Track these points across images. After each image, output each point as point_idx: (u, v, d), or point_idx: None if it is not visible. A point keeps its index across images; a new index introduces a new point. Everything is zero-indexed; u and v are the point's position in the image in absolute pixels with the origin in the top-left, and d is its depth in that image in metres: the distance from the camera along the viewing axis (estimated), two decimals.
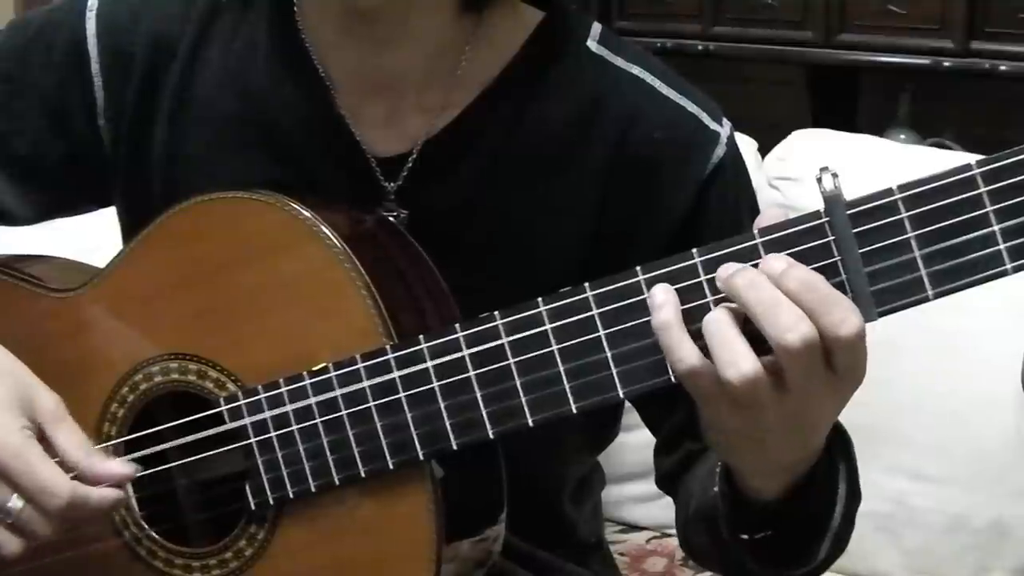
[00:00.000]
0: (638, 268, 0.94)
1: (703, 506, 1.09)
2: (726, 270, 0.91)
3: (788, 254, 0.91)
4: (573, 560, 1.29)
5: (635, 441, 1.94)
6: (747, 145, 2.27)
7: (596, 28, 1.19)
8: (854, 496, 1.06)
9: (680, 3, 3.48)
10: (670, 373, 0.94)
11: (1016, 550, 1.92)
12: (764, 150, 2.31)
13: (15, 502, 1.04)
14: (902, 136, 3.27)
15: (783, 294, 0.89)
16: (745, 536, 1.04)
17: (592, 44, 1.17)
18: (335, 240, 1.04)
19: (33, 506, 1.04)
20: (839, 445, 1.04)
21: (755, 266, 0.91)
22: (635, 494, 2.19)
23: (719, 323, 0.90)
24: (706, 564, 1.30)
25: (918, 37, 3.14)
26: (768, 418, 0.92)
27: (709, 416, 0.96)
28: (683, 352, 0.91)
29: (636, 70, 1.17)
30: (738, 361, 0.89)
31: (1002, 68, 3.06)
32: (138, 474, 1.08)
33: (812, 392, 0.91)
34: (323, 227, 1.05)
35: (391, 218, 1.14)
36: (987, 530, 1.93)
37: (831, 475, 1.04)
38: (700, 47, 3.45)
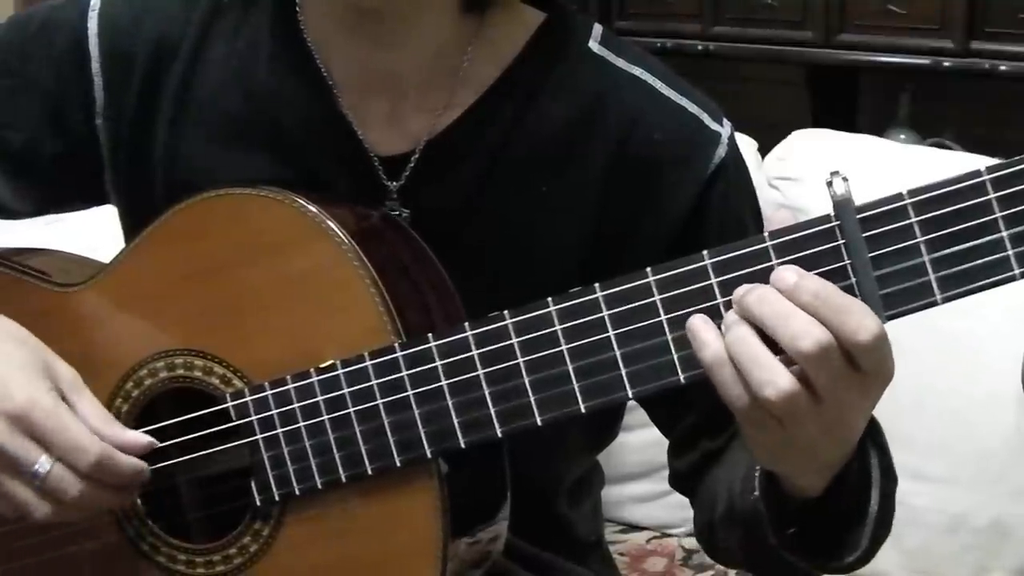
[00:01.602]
0: (648, 270, 0.95)
1: (738, 511, 1.08)
2: (739, 292, 0.91)
3: (798, 257, 0.91)
4: (572, 559, 1.29)
5: (635, 441, 1.95)
6: (747, 145, 2.28)
7: (597, 29, 1.19)
8: (889, 479, 1.06)
9: (680, 3, 3.48)
10: (679, 374, 0.94)
11: (1016, 550, 1.93)
12: (764, 150, 2.31)
13: (44, 465, 1.05)
14: (902, 136, 3.28)
15: (794, 305, 0.89)
16: (790, 531, 1.04)
17: (593, 45, 1.17)
18: (343, 237, 1.04)
19: (63, 464, 1.05)
20: (869, 434, 1.03)
21: (766, 271, 0.91)
22: (635, 494, 2.20)
23: (746, 344, 0.90)
24: (730, 563, 1.30)
25: (918, 37, 3.14)
26: (810, 429, 0.92)
27: (754, 436, 0.96)
28: (738, 389, 0.91)
29: (637, 71, 1.17)
30: (776, 380, 0.89)
31: (1002, 68, 3.05)
32: (154, 446, 1.09)
33: (844, 395, 0.91)
34: (331, 224, 1.05)
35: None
36: (987, 530, 1.93)
37: (863, 464, 1.04)
38: (700, 47, 3.45)
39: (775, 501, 1.04)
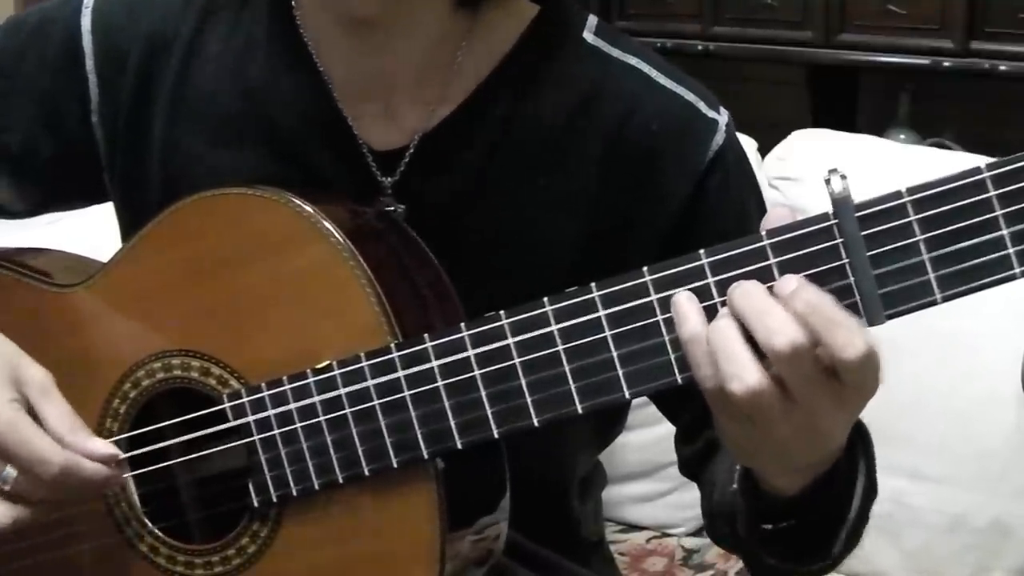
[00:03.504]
0: (645, 269, 0.94)
1: (723, 502, 1.09)
2: (730, 287, 0.91)
3: (796, 256, 0.90)
4: (575, 559, 1.29)
5: (635, 441, 1.96)
6: (747, 145, 2.27)
7: (592, 20, 1.19)
8: (871, 491, 1.06)
9: (680, 3, 3.49)
10: (676, 374, 0.94)
11: (1016, 550, 1.93)
12: (764, 150, 2.31)
13: (10, 470, 1.05)
14: (902, 136, 3.28)
15: (784, 309, 0.88)
16: (766, 527, 1.05)
17: (588, 36, 1.17)
18: (339, 237, 1.04)
19: (27, 476, 1.05)
20: (859, 441, 1.04)
21: (763, 270, 0.91)
22: (635, 494, 2.20)
23: (723, 336, 0.90)
24: (729, 551, 1.31)
25: (918, 37, 3.14)
26: (781, 430, 0.91)
27: (726, 427, 0.96)
28: (709, 371, 0.91)
29: (632, 60, 1.17)
30: (742, 374, 0.89)
31: (1002, 68, 3.06)
32: (124, 457, 1.09)
33: (818, 401, 0.90)
34: (327, 224, 1.05)
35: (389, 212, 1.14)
36: (987, 530, 1.94)
37: (850, 472, 1.04)
38: (700, 47, 3.46)
39: (752, 496, 1.04)
